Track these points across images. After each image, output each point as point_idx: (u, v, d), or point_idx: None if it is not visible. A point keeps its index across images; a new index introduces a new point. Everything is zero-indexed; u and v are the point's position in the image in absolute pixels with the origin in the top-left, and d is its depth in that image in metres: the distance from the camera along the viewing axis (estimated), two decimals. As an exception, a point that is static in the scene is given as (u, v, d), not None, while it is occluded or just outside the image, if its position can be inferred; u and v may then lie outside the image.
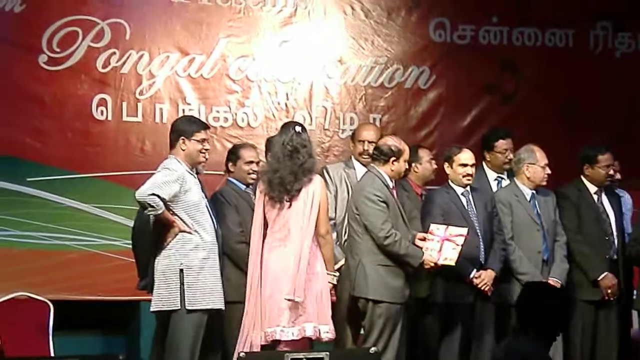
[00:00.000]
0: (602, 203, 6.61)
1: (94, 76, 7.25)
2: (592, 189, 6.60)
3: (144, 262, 5.96)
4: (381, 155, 6.00)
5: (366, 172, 6.14)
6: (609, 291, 6.37)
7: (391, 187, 6.01)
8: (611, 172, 6.61)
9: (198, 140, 5.77)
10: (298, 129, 5.84)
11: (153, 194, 5.50)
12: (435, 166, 6.61)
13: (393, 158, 5.98)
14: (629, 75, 8.02)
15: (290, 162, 5.77)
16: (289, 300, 5.66)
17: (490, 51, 7.89)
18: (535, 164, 6.39)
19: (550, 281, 6.25)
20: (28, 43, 7.12)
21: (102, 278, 7.08)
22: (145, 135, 7.29)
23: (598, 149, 6.62)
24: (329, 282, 5.83)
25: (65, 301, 6.80)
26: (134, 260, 6.16)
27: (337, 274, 5.92)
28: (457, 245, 5.98)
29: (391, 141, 6.06)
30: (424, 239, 6.02)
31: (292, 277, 5.68)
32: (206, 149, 5.82)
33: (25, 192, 7.09)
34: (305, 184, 5.76)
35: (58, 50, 7.19)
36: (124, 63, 7.30)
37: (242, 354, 5.48)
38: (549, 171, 6.39)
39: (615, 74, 8.01)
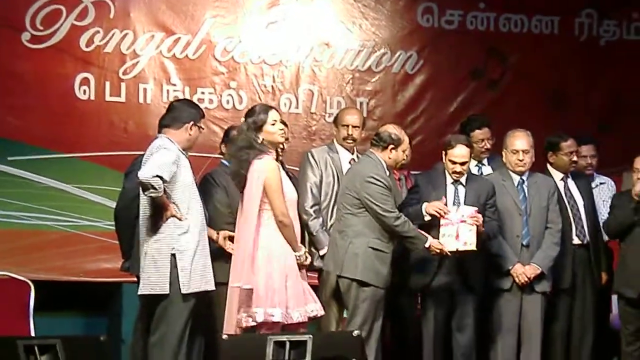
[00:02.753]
0: (568, 189, 6.63)
1: (77, 55, 7.18)
2: (558, 176, 6.61)
3: (127, 244, 5.92)
4: (380, 141, 6.00)
5: (364, 156, 6.12)
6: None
7: (388, 174, 6.00)
8: (574, 158, 6.61)
9: (199, 127, 5.75)
10: (249, 119, 5.77)
11: (157, 176, 5.44)
12: (409, 152, 6.57)
13: (392, 146, 5.98)
14: (614, 63, 8.02)
15: (233, 147, 5.79)
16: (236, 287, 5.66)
17: (477, 37, 7.88)
18: (506, 150, 6.38)
19: (531, 267, 6.24)
20: (11, 21, 7.04)
21: (83, 259, 7.03)
22: (129, 116, 7.22)
23: (560, 136, 6.65)
24: (299, 262, 5.77)
25: (46, 281, 6.75)
26: (116, 241, 6.12)
27: (303, 252, 5.82)
28: (472, 226, 5.96)
29: (392, 129, 6.06)
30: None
31: (235, 264, 5.69)
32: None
33: (6, 172, 7.03)
34: (249, 169, 5.67)
35: (41, 28, 7.12)
36: (107, 42, 7.23)
37: (225, 337, 5.47)
38: (521, 157, 6.32)
39: (600, 61, 8.02)
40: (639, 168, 6.42)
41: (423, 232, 5.98)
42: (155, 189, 5.43)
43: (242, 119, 5.82)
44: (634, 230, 6.39)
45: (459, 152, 6.12)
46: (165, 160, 5.50)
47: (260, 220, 5.68)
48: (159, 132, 5.73)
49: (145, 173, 5.44)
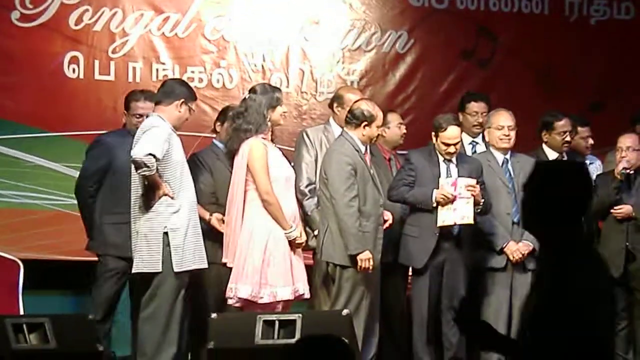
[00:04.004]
0: None
1: (67, 33, 7.14)
2: (552, 155, 6.62)
3: (89, 222, 6.05)
4: (353, 119, 5.96)
5: (338, 135, 6.10)
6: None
7: (362, 151, 5.96)
8: (567, 138, 6.60)
9: (190, 108, 5.75)
10: (247, 94, 5.83)
11: (150, 154, 5.44)
12: (404, 131, 6.61)
13: (365, 123, 5.93)
14: (604, 43, 8.00)
15: (231, 128, 5.82)
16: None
17: (468, 16, 7.83)
18: (491, 127, 6.38)
19: (524, 244, 6.25)
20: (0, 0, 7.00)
21: (72, 237, 6.97)
22: (118, 95, 7.15)
23: (554, 115, 6.66)
24: (290, 241, 5.77)
25: (35, 260, 6.74)
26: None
27: (294, 230, 5.81)
28: (469, 199, 5.97)
29: (365, 105, 6.01)
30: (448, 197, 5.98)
31: (226, 243, 5.75)
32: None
33: (-5, 150, 7.02)
34: (239, 147, 5.72)
35: (30, 6, 7.08)
36: (96, 20, 7.18)
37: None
38: (507, 132, 6.32)
39: (590, 41, 8.00)
40: (622, 147, 6.46)
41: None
42: (148, 167, 5.43)
43: (248, 94, 5.80)
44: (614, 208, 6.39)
45: (451, 133, 6.12)
46: (157, 139, 5.51)
47: (245, 199, 5.70)
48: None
49: (137, 152, 5.44)
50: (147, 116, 5.78)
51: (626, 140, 6.51)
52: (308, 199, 6.23)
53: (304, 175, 6.25)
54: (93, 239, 6.15)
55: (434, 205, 6.06)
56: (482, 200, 6.11)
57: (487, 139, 6.46)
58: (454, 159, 6.21)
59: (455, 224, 6.04)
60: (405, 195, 6.13)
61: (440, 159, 6.21)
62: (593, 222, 6.59)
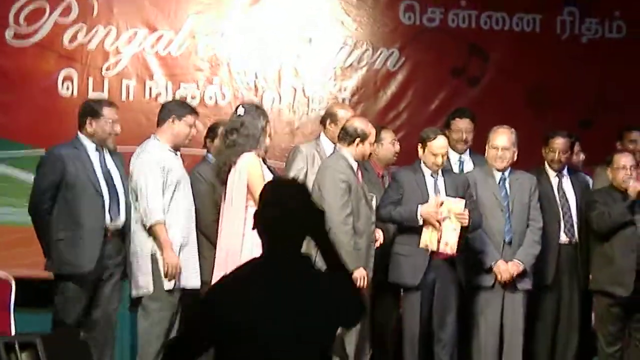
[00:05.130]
0: (561, 186, 6.64)
1: (61, 52, 7.20)
2: (551, 172, 6.63)
3: (48, 241, 5.83)
4: (347, 136, 5.97)
5: (332, 152, 6.13)
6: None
7: (355, 168, 5.99)
8: (556, 156, 6.60)
9: (189, 124, 5.79)
10: (240, 110, 5.82)
11: (158, 221, 5.57)
12: (397, 148, 6.64)
13: (358, 140, 5.95)
14: (595, 61, 8.05)
15: (223, 145, 5.79)
16: None
17: (459, 34, 7.89)
18: (488, 145, 6.42)
19: (513, 264, 6.27)
20: (-5, 18, 7.07)
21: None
22: (111, 112, 7.22)
23: (553, 132, 6.67)
24: None
25: (27, 278, 6.73)
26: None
27: None
28: (457, 225, 5.97)
29: (358, 122, 6.03)
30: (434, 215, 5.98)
31: (219, 258, 5.70)
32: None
33: (-12, 168, 7.05)
34: (234, 163, 5.71)
35: (25, 25, 7.13)
36: (91, 39, 7.25)
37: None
38: (500, 153, 6.32)
39: (582, 59, 8.04)
40: (626, 165, 6.44)
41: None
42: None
43: (240, 110, 5.80)
44: (625, 228, 6.37)
45: (439, 143, 6.15)
46: (154, 191, 5.55)
47: (246, 215, 5.71)
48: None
49: (149, 220, 5.50)
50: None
51: (627, 159, 6.48)
52: None
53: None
54: (50, 259, 5.91)
55: (420, 223, 6.06)
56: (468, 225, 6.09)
57: (486, 155, 6.48)
58: (440, 174, 6.22)
59: (437, 250, 6.02)
60: (392, 214, 6.13)
61: (427, 174, 6.23)
62: (590, 240, 6.59)
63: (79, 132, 5.89)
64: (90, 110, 5.87)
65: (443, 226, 5.99)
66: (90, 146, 5.81)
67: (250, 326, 3.00)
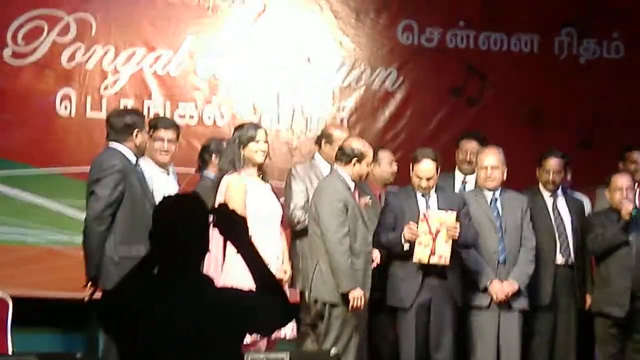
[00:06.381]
0: (556, 207, 6.63)
1: (59, 71, 7.21)
2: (546, 192, 6.62)
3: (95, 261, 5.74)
4: (344, 156, 5.94)
5: (329, 172, 6.12)
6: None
7: (352, 189, 5.97)
8: (550, 176, 6.56)
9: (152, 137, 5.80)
10: (236, 133, 5.82)
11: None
12: (395, 168, 6.62)
13: (355, 159, 5.91)
14: (593, 82, 8.07)
15: (221, 160, 5.87)
16: None
17: (457, 55, 7.92)
18: (477, 167, 6.42)
19: (508, 283, 6.25)
20: (-7, 37, 7.07)
21: (62, 275, 6.98)
22: (110, 132, 7.22)
23: (547, 152, 6.65)
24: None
25: (24, 297, 6.71)
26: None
27: (276, 267, 5.72)
28: (448, 237, 5.94)
29: (355, 143, 5.99)
30: (415, 233, 5.95)
31: None
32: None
33: (-14, 187, 7.03)
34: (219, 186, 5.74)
35: (23, 44, 7.13)
36: (89, 58, 7.26)
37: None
38: (489, 172, 6.28)
39: (579, 80, 8.06)
40: (623, 187, 6.44)
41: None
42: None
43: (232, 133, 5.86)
44: (620, 248, 6.37)
45: (423, 166, 6.11)
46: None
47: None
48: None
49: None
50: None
51: (624, 180, 6.48)
52: (302, 220, 6.20)
53: (301, 204, 6.24)
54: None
55: (405, 248, 6.01)
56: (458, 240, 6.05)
57: (476, 176, 6.49)
58: (432, 193, 6.19)
59: (430, 263, 5.99)
60: (382, 241, 6.10)
61: (419, 194, 6.21)
62: (586, 261, 6.59)
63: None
64: None
65: (437, 239, 5.96)
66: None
67: (134, 333, 3.17)
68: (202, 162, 6.47)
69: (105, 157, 5.65)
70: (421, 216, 6.02)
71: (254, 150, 5.75)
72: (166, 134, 6.00)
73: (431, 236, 5.97)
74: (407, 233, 6.00)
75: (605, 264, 6.44)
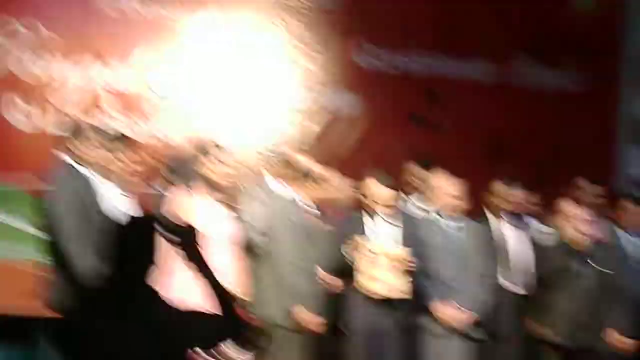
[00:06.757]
0: (507, 234, 6.63)
1: (8, 81, 7.13)
2: (497, 219, 6.64)
3: None
4: (296, 174, 5.95)
5: (280, 191, 6.05)
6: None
7: (303, 208, 5.93)
8: (503, 205, 6.61)
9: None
10: (204, 142, 5.81)
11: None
12: (355, 193, 6.56)
13: (308, 179, 5.94)
14: (552, 111, 8.06)
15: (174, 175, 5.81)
16: None
17: (417, 81, 7.91)
18: (437, 191, 6.38)
19: (464, 312, 6.16)
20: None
21: (16, 290, 6.84)
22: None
23: (499, 180, 6.69)
24: None
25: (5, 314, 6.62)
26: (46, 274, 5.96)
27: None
28: (403, 269, 5.87)
29: (306, 161, 6.02)
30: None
31: None
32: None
33: None
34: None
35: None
36: (39, 69, 7.16)
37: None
38: (451, 200, 6.30)
39: (538, 109, 8.06)
40: (567, 213, 6.45)
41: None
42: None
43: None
44: (565, 275, 6.41)
45: (382, 192, 6.03)
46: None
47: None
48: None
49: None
50: None
51: (570, 208, 6.51)
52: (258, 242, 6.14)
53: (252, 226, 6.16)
54: None
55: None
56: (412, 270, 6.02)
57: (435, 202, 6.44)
58: (391, 220, 6.10)
59: (381, 295, 5.90)
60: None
61: (378, 219, 6.12)
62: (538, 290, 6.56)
63: None
64: None
65: (391, 272, 5.85)
66: None
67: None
68: (165, 180, 6.39)
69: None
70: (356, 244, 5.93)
71: (212, 170, 5.68)
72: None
73: (386, 270, 5.87)
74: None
75: (551, 291, 6.46)
